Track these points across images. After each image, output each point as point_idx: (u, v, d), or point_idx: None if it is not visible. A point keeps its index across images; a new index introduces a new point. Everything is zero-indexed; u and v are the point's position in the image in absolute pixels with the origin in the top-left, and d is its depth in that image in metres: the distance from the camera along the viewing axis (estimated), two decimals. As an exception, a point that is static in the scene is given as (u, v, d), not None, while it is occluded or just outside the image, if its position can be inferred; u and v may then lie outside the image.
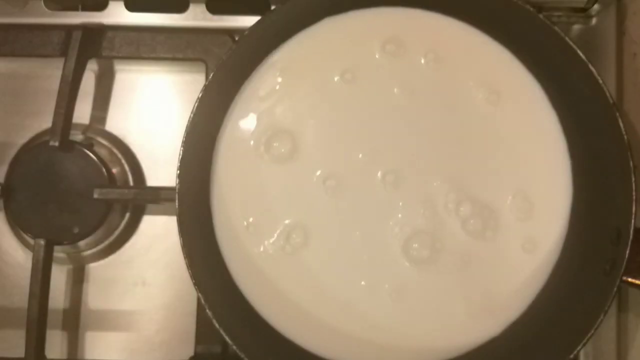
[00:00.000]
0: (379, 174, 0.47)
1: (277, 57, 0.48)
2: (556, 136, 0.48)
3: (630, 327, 0.50)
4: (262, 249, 0.47)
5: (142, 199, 0.53)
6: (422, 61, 0.48)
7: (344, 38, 0.48)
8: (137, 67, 0.56)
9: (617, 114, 0.42)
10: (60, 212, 0.51)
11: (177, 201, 0.43)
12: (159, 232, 0.54)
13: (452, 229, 0.47)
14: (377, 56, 0.48)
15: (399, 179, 0.47)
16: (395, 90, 0.48)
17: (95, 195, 0.50)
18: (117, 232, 0.54)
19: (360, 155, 0.47)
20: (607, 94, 0.43)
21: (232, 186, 0.47)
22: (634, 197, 0.42)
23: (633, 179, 0.42)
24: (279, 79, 0.48)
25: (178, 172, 0.44)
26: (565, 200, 0.47)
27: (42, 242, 0.50)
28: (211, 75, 0.45)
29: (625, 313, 0.50)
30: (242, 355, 0.42)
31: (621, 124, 0.42)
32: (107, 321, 0.54)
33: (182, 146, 0.44)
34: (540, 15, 0.44)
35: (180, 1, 0.54)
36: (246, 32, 0.45)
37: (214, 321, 0.42)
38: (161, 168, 0.55)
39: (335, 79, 0.48)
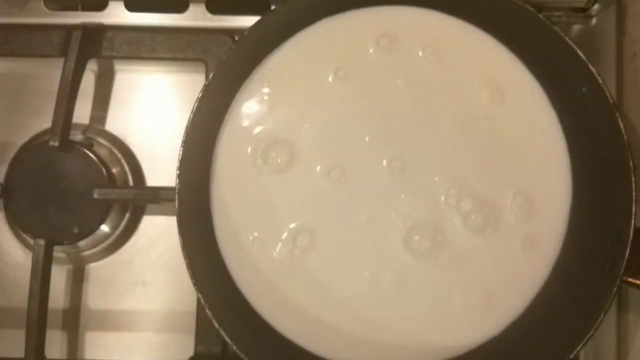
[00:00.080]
0: (384, 162, 0.47)
1: (266, 66, 0.48)
2: (556, 136, 0.48)
3: (630, 327, 0.50)
4: (270, 260, 0.47)
5: (142, 199, 0.53)
6: (420, 54, 0.48)
7: (339, 37, 0.48)
8: (137, 67, 0.56)
9: (617, 114, 0.42)
10: (60, 212, 0.51)
11: (176, 201, 0.43)
12: (158, 232, 0.54)
13: (453, 223, 0.47)
14: (371, 51, 0.48)
15: (404, 166, 0.47)
16: (399, 82, 0.48)
17: (95, 196, 0.50)
18: (117, 232, 0.54)
19: (362, 150, 0.47)
20: (607, 94, 0.43)
21: (234, 200, 0.47)
22: (634, 197, 0.42)
23: (633, 179, 0.42)
24: (267, 89, 0.48)
25: (178, 172, 0.44)
26: (565, 200, 0.47)
27: (42, 242, 0.50)
28: (211, 75, 0.44)
29: (625, 313, 0.50)
30: (242, 355, 0.42)
31: (621, 124, 0.42)
32: (107, 321, 0.54)
33: (182, 146, 0.44)
34: (540, 15, 0.44)
35: (180, 1, 0.54)
36: (246, 32, 0.45)
37: (214, 321, 0.42)
38: (161, 168, 0.55)
39: (330, 78, 0.48)
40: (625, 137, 0.42)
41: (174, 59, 0.53)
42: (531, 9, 0.44)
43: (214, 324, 0.42)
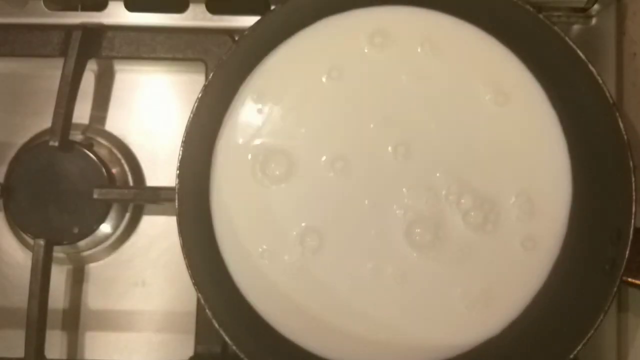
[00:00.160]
0: (388, 154, 0.47)
1: (259, 72, 0.48)
2: (556, 136, 0.48)
3: (631, 327, 0.50)
4: (281, 267, 0.47)
5: (142, 199, 0.53)
6: (419, 50, 0.48)
7: (336, 36, 0.49)
8: (137, 67, 0.56)
9: (617, 114, 0.42)
10: (60, 212, 0.51)
11: (176, 201, 0.43)
12: (158, 232, 0.54)
13: (454, 219, 0.47)
14: (365, 50, 0.48)
15: (406, 160, 0.47)
16: (402, 77, 0.48)
17: (95, 196, 0.50)
18: (117, 232, 0.54)
19: (364, 146, 0.47)
20: (607, 94, 0.43)
21: (237, 210, 0.47)
22: (634, 197, 0.42)
23: (633, 179, 0.42)
24: (260, 100, 0.48)
25: (178, 172, 0.44)
26: (566, 200, 0.47)
27: (41, 242, 0.50)
28: (211, 75, 0.45)
29: (625, 313, 0.50)
30: (242, 355, 0.42)
31: (621, 124, 0.42)
32: (107, 321, 0.54)
33: (182, 146, 0.44)
34: (540, 15, 0.44)
35: (180, 1, 0.54)
36: (246, 32, 0.45)
37: (214, 321, 0.42)
38: (161, 168, 0.55)
39: (324, 79, 0.48)
40: (625, 137, 0.42)
41: (173, 59, 0.53)
42: (531, 9, 0.44)
43: (214, 324, 0.42)
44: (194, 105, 0.44)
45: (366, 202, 0.47)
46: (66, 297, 0.54)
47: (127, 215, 0.54)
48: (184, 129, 0.44)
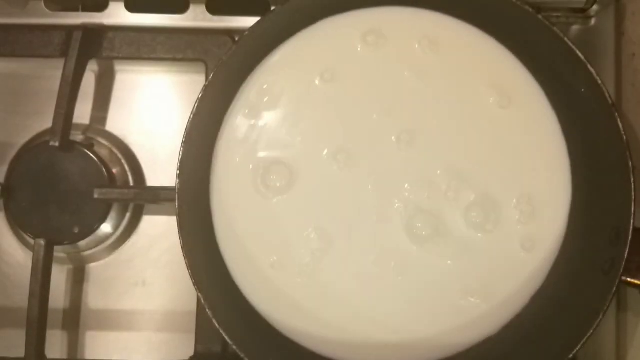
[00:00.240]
0: (394, 136, 0.47)
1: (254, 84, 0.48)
2: (556, 136, 0.48)
3: (630, 327, 0.50)
4: (287, 271, 0.47)
5: (142, 199, 0.53)
6: (417, 46, 0.48)
7: (332, 37, 0.49)
8: (138, 68, 0.56)
9: (616, 114, 0.42)
10: (60, 212, 0.51)
11: (177, 201, 0.43)
12: (159, 232, 0.54)
13: (454, 215, 0.47)
14: (359, 48, 0.49)
15: (408, 156, 0.47)
16: (405, 74, 0.48)
17: (96, 196, 0.50)
18: (117, 232, 0.54)
19: (367, 142, 0.48)
20: (606, 95, 0.43)
21: (241, 222, 0.47)
22: (633, 197, 0.42)
23: (632, 179, 0.42)
24: (252, 121, 0.48)
25: (178, 172, 0.44)
26: (566, 201, 0.47)
27: (42, 242, 0.50)
28: (211, 75, 0.45)
29: (624, 313, 0.50)
30: (242, 355, 0.42)
31: (620, 124, 0.42)
32: (108, 321, 0.54)
33: (182, 146, 0.44)
34: (539, 16, 0.45)
35: (180, 2, 0.54)
36: (246, 33, 0.45)
37: (214, 321, 0.42)
38: (161, 168, 0.55)
39: (316, 81, 0.48)
40: (625, 137, 0.42)
41: (174, 60, 0.53)
42: (530, 9, 0.44)
43: (214, 324, 0.42)
44: (194, 106, 0.44)
45: (369, 198, 0.47)
46: (67, 296, 0.54)
47: (128, 215, 0.54)
48: (184, 129, 0.44)
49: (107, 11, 0.54)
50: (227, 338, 0.42)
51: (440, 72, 0.48)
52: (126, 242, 0.55)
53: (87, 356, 0.53)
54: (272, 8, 0.48)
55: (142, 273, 0.54)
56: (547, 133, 0.48)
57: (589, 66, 0.43)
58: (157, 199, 0.51)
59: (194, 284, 0.43)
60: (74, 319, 0.54)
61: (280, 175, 0.47)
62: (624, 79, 0.52)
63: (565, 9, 0.54)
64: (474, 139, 0.48)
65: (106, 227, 0.53)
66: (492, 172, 0.47)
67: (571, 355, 0.42)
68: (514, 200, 0.47)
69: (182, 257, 0.43)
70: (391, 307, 0.47)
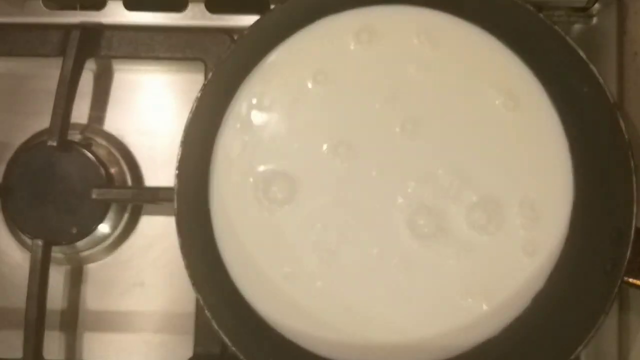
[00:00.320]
0: (397, 127, 0.47)
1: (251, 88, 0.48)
2: (558, 136, 0.48)
3: (632, 328, 0.49)
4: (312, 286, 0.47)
5: (141, 199, 0.53)
6: (415, 41, 0.48)
7: (324, 37, 0.49)
8: (136, 67, 0.56)
9: (618, 114, 0.42)
10: (58, 212, 0.51)
11: (175, 201, 0.43)
12: (157, 233, 0.54)
13: (456, 215, 0.47)
14: (351, 47, 0.48)
15: (411, 153, 0.47)
16: (410, 67, 0.48)
17: (94, 196, 0.50)
18: (115, 233, 0.54)
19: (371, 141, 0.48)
20: (608, 94, 0.43)
21: (248, 237, 0.47)
22: (634, 197, 0.42)
23: (634, 179, 0.42)
24: (246, 138, 0.48)
25: (176, 172, 0.43)
26: (568, 204, 0.47)
27: (40, 242, 0.49)
28: (210, 74, 0.45)
29: (626, 313, 0.50)
30: (241, 357, 0.42)
31: (622, 124, 0.42)
32: (106, 322, 0.53)
33: (181, 146, 0.44)
34: (541, 15, 0.44)
35: (179, 0, 0.54)
36: (245, 32, 0.45)
37: (213, 322, 0.42)
38: (160, 168, 0.55)
39: (309, 84, 0.48)
40: (627, 136, 0.42)
41: (172, 59, 0.53)
42: (531, 8, 0.44)
43: (213, 325, 0.42)
44: (193, 105, 0.44)
45: (373, 195, 0.47)
46: (64, 297, 0.54)
47: (126, 216, 0.54)
48: (182, 129, 0.44)
49: (105, 10, 0.54)
50: (225, 339, 0.42)
51: (441, 69, 0.48)
52: (124, 243, 0.54)
53: (85, 357, 0.53)
54: (272, 7, 0.48)
55: (141, 274, 0.54)
56: (548, 132, 0.48)
57: (590, 65, 0.43)
58: (155, 199, 0.51)
59: (193, 284, 0.42)
60: (72, 320, 0.54)
61: (282, 186, 0.47)
62: (625, 78, 0.52)
63: (566, 7, 0.54)
64: (477, 138, 0.48)
65: (104, 228, 0.53)
66: (496, 173, 0.47)
67: (573, 356, 0.42)
68: (517, 205, 0.47)
69: (181, 258, 0.42)
70: (392, 307, 0.47)
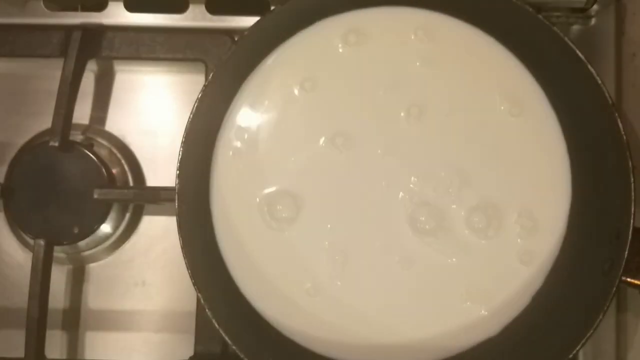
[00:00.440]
0: (402, 112, 0.48)
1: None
2: (556, 137, 0.48)
3: (630, 327, 0.50)
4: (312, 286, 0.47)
5: (142, 199, 0.53)
6: (413, 37, 0.48)
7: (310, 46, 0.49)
8: (137, 68, 0.56)
9: (616, 114, 0.42)
10: (60, 212, 0.51)
11: (176, 201, 0.43)
12: (158, 232, 0.55)
13: (456, 217, 0.47)
14: (340, 50, 0.49)
15: (413, 152, 0.47)
16: (417, 63, 0.48)
17: (95, 196, 0.50)
18: (117, 233, 0.54)
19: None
20: (606, 95, 0.43)
21: (254, 238, 0.47)
22: (632, 197, 0.42)
23: (632, 179, 0.42)
24: (240, 145, 0.48)
25: (178, 172, 0.44)
26: (566, 208, 0.47)
27: (42, 242, 0.50)
28: (211, 75, 0.45)
29: (624, 313, 0.50)
30: (242, 355, 0.42)
31: (620, 124, 0.42)
32: (107, 321, 0.54)
33: (182, 146, 0.44)
34: (540, 16, 0.44)
35: (179, 1, 0.54)
36: (246, 33, 0.45)
37: (214, 321, 0.42)
38: (161, 168, 0.55)
39: (296, 89, 0.48)
40: (624, 137, 0.42)
41: (173, 60, 0.53)
42: (530, 9, 0.44)
43: (214, 324, 0.42)
44: (193, 106, 0.44)
45: (375, 194, 0.47)
46: (66, 297, 0.54)
47: (127, 216, 0.54)
48: (183, 129, 0.44)
49: (106, 11, 0.54)
50: (226, 338, 0.42)
51: (441, 68, 0.48)
52: (126, 242, 0.55)
53: (86, 356, 0.54)
54: (272, 8, 0.48)
55: (142, 273, 0.54)
56: (546, 133, 0.48)
57: (589, 66, 0.43)
58: (156, 199, 0.51)
59: (194, 284, 0.42)
60: (74, 319, 0.54)
61: (287, 207, 0.47)
62: (624, 79, 0.52)
63: (565, 8, 0.54)
64: (478, 140, 0.48)
65: (106, 227, 0.53)
66: (496, 178, 0.47)
67: (571, 355, 0.42)
68: (516, 213, 0.47)
69: (182, 257, 0.43)
70: (392, 306, 0.47)
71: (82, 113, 0.54)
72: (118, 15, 0.54)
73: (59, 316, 0.53)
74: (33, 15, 0.55)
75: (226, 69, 0.45)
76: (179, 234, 0.43)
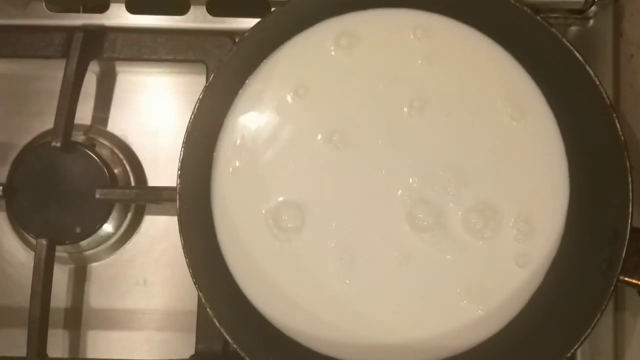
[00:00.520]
0: (406, 105, 0.48)
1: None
2: (554, 138, 0.48)
3: (627, 326, 0.50)
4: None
5: (144, 199, 0.53)
6: (411, 37, 0.48)
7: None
8: (138, 69, 0.56)
9: (614, 115, 0.42)
10: (62, 212, 0.51)
11: (177, 201, 0.44)
12: (160, 232, 0.55)
13: (454, 215, 0.47)
14: (332, 52, 0.49)
15: (415, 149, 0.48)
16: (418, 61, 0.48)
17: (97, 196, 0.50)
18: (118, 232, 0.54)
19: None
20: (604, 95, 0.43)
21: (254, 237, 0.47)
22: (630, 197, 0.42)
23: (630, 179, 0.42)
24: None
25: (179, 172, 0.44)
26: (563, 210, 0.47)
27: (44, 241, 0.50)
28: (212, 76, 0.45)
29: (622, 312, 0.50)
30: (243, 354, 0.42)
31: (618, 125, 0.42)
32: (109, 320, 0.54)
33: (183, 146, 0.44)
34: (538, 17, 0.45)
35: (181, 3, 0.54)
36: (246, 34, 0.45)
37: (215, 320, 0.42)
38: (162, 168, 0.55)
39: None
40: (622, 137, 0.42)
41: (174, 61, 0.54)
42: (528, 10, 0.45)
43: (215, 323, 0.43)
44: (195, 106, 0.44)
45: (375, 192, 0.48)
46: (68, 296, 0.54)
47: (129, 215, 0.54)
48: (185, 130, 0.44)
49: (108, 12, 0.55)
50: (227, 337, 0.42)
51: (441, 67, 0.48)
52: (128, 242, 0.55)
53: (88, 355, 0.54)
54: (272, 9, 0.48)
55: (144, 272, 0.54)
56: (544, 134, 0.48)
57: (587, 67, 0.43)
58: (158, 198, 0.51)
59: (195, 283, 0.43)
60: (76, 318, 0.54)
61: (292, 217, 0.47)
62: (621, 80, 0.52)
63: (563, 9, 0.54)
64: (478, 140, 0.48)
65: (108, 227, 0.53)
66: (493, 180, 0.48)
67: (569, 354, 0.42)
68: (513, 216, 0.47)
69: (183, 257, 0.43)
70: (392, 304, 0.47)
71: (84, 114, 0.55)
72: (120, 17, 0.55)
73: (60, 315, 0.54)
74: (35, 17, 0.55)
75: (227, 70, 0.45)
76: (180, 233, 0.43)
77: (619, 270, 0.42)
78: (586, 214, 0.46)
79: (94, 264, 0.55)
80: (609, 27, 0.53)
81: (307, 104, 0.48)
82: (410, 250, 0.47)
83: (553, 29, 0.44)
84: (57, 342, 0.53)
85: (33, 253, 0.50)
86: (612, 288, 0.42)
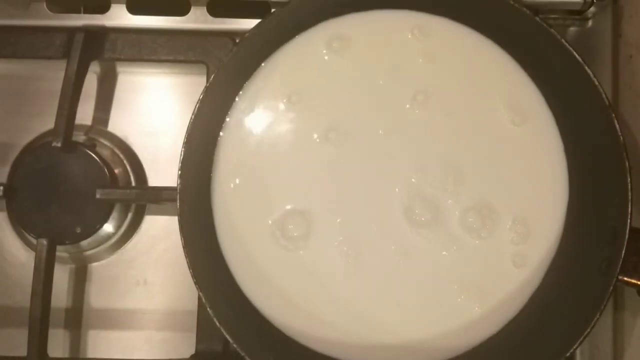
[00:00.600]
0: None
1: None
2: (553, 138, 0.48)
3: (627, 326, 0.50)
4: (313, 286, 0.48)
5: (144, 199, 0.53)
6: (409, 36, 0.49)
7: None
8: (139, 69, 0.56)
9: (613, 115, 0.43)
10: (62, 212, 0.51)
11: (178, 201, 0.44)
12: (160, 232, 0.55)
13: (451, 213, 0.47)
14: (324, 55, 0.49)
15: (415, 150, 0.48)
16: (420, 60, 0.48)
17: (98, 196, 0.50)
18: (119, 232, 0.54)
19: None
20: (603, 96, 0.43)
21: (254, 237, 0.47)
22: (630, 198, 0.42)
23: (629, 180, 0.42)
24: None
25: (179, 172, 0.44)
26: (562, 211, 0.48)
27: (44, 241, 0.50)
28: (212, 76, 0.45)
29: (621, 312, 0.50)
30: (243, 354, 0.43)
31: (617, 125, 0.42)
32: (109, 320, 0.54)
33: (184, 147, 0.44)
34: (537, 18, 0.45)
35: (181, 4, 0.55)
36: (247, 35, 0.45)
37: (215, 320, 0.43)
38: (163, 168, 0.55)
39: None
40: (621, 138, 0.42)
41: (175, 61, 0.54)
42: (527, 11, 0.45)
43: (215, 323, 0.43)
44: (195, 107, 0.44)
45: (374, 188, 0.48)
46: (69, 296, 0.54)
47: (130, 215, 0.55)
48: (185, 130, 0.44)
49: (109, 13, 0.55)
50: (227, 337, 0.43)
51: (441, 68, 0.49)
52: (128, 242, 0.55)
53: (89, 355, 0.54)
54: (273, 10, 0.48)
55: (144, 272, 0.54)
56: (543, 134, 0.48)
57: (586, 67, 0.44)
58: (158, 199, 0.51)
59: (195, 283, 0.43)
60: (76, 318, 0.54)
61: (298, 226, 0.47)
62: (620, 81, 0.52)
63: (562, 10, 0.54)
64: (477, 140, 0.48)
65: (108, 227, 0.53)
66: (492, 179, 0.48)
67: (568, 354, 0.42)
68: (511, 218, 0.47)
69: (184, 257, 0.43)
70: (391, 302, 0.47)
71: (84, 114, 0.55)
72: (120, 18, 0.55)
73: (61, 315, 0.54)
74: (36, 17, 0.55)
75: (227, 71, 0.46)
76: (180, 233, 0.43)
77: (618, 270, 0.42)
78: (585, 214, 0.46)
79: (95, 264, 0.55)
80: (608, 28, 0.53)
81: (307, 103, 0.48)
82: (407, 245, 0.47)
83: (552, 30, 0.44)
84: (57, 342, 0.53)
85: (33, 253, 0.50)
86: (612, 288, 0.42)
